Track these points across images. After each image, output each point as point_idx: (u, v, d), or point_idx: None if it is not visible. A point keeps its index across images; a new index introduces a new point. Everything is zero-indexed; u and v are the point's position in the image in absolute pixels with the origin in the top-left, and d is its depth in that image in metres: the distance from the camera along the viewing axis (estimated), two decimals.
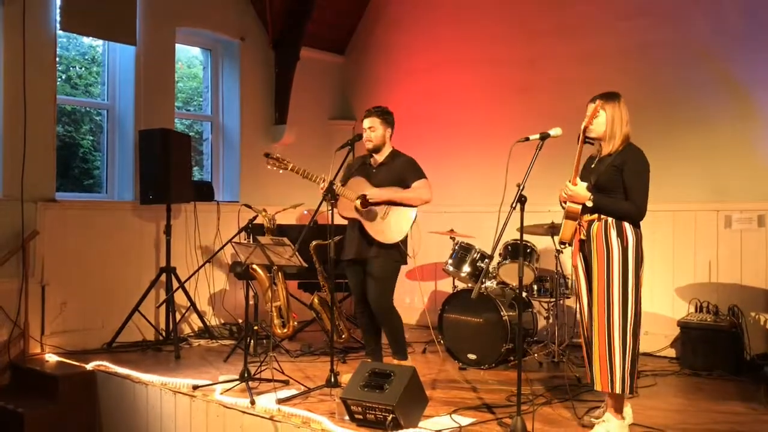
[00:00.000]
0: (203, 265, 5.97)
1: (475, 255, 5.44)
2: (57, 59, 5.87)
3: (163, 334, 6.02)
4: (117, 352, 5.58)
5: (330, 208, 4.34)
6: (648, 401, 4.22)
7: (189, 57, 7.45)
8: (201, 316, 6.26)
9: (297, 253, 4.11)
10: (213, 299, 6.70)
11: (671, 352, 5.54)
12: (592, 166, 3.62)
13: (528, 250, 5.41)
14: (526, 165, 3.53)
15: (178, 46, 6.72)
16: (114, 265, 6.05)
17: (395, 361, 4.50)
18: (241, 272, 5.93)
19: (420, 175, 4.53)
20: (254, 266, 5.41)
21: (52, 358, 5.40)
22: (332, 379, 4.25)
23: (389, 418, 3.46)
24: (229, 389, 4.24)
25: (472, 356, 5.05)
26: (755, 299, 5.22)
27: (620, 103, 3.55)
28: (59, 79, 6.04)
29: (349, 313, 6.18)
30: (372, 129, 4.54)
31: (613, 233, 3.43)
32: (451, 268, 5.50)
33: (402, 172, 4.53)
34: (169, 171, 5.77)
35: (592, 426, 3.53)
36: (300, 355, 5.52)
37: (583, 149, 3.54)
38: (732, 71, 5.40)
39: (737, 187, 5.36)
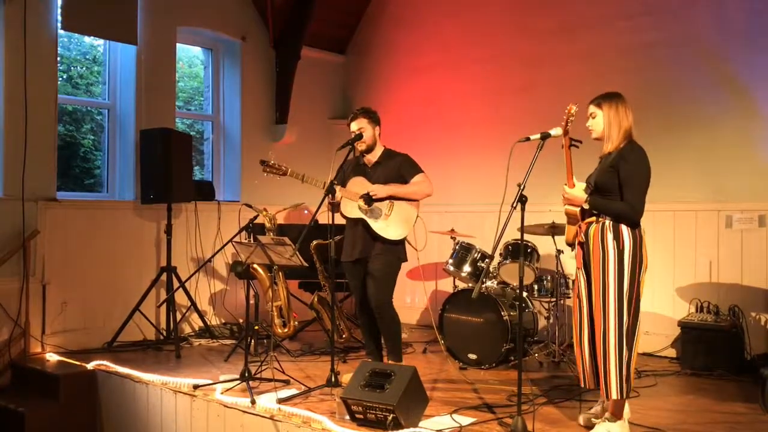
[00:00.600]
0: (204, 264, 5.97)
1: (475, 255, 5.44)
2: (58, 59, 5.87)
3: (164, 333, 6.02)
4: (118, 352, 5.59)
5: (330, 207, 4.34)
6: (649, 401, 4.22)
7: (190, 56, 7.45)
8: (201, 316, 6.27)
9: (297, 252, 4.11)
10: (214, 299, 6.71)
11: (672, 352, 5.54)
12: (596, 166, 3.63)
13: (528, 250, 5.41)
14: (527, 165, 3.53)
15: (179, 45, 6.72)
16: (115, 265, 6.06)
17: (390, 362, 4.50)
18: (241, 272, 5.93)
19: (418, 169, 4.57)
20: (255, 266, 5.41)
21: (52, 357, 5.40)
22: (333, 379, 4.25)
23: (390, 418, 3.46)
24: (230, 389, 4.24)
25: (472, 356, 5.05)
26: (756, 299, 5.22)
27: (618, 103, 3.52)
28: (60, 79, 6.04)
29: (350, 313, 6.18)
30: (362, 130, 4.55)
31: (610, 235, 3.41)
32: (451, 268, 5.49)
33: (399, 169, 4.55)
34: (169, 170, 5.78)
35: (592, 426, 3.53)
36: (300, 355, 5.52)
37: (570, 152, 3.54)
38: (734, 71, 5.40)
39: (738, 187, 5.36)
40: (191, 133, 6.81)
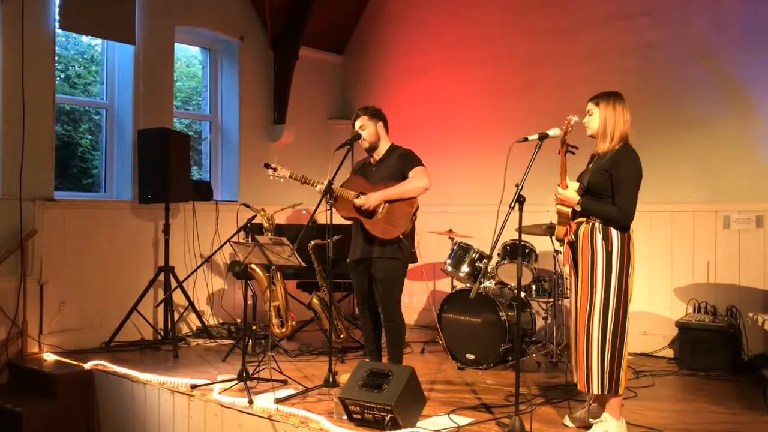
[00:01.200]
0: (202, 264, 5.96)
1: (473, 255, 5.44)
2: (56, 58, 5.87)
3: (162, 333, 6.01)
4: (115, 352, 5.58)
5: (328, 207, 4.34)
6: (646, 401, 4.22)
7: (188, 56, 7.45)
8: (199, 316, 6.26)
9: (295, 252, 4.11)
10: (211, 299, 6.70)
11: (669, 353, 5.55)
12: (590, 165, 3.63)
13: (526, 251, 5.42)
14: (525, 165, 3.53)
15: (177, 45, 6.72)
16: (112, 265, 6.05)
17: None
18: (239, 272, 5.93)
19: (416, 163, 4.44)
20: (253, 266, 5.41)
21: (50, 357, 5.40)
22: (330, 379, 4.24)
23: (387, 418, 3.46)
24: (228, 389, 4.24)
25: (470, 356, 5.06)
26: (753, 300, 5.22)
27: (616, 102, 3.54)
28: (58, 78, 6.03)
29: (348, 313, 6.18)
30: (363, 128, 4.53)
31: (599, 236, 3.44)
32: (449, 268, 5.49)
33: (399, 164, 4.46)
34: (167, 170, 5.77)
35: (590, 426, 3.53)
36: (298, 355, 5.51)
37: (566, 157, 3.56)
38: (731, 71, 5.41)
39: (736, 187, 5.37)
40: (189, 133, 6.81)
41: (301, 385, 4.36)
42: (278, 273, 5.56)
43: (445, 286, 6.38)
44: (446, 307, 5.23)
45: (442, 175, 6.71)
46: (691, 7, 5.59)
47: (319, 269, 5.53)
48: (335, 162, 4.33)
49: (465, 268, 5.42)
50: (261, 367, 4.48)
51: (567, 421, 3.69)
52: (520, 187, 3.48)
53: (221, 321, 6.68)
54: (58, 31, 5.84)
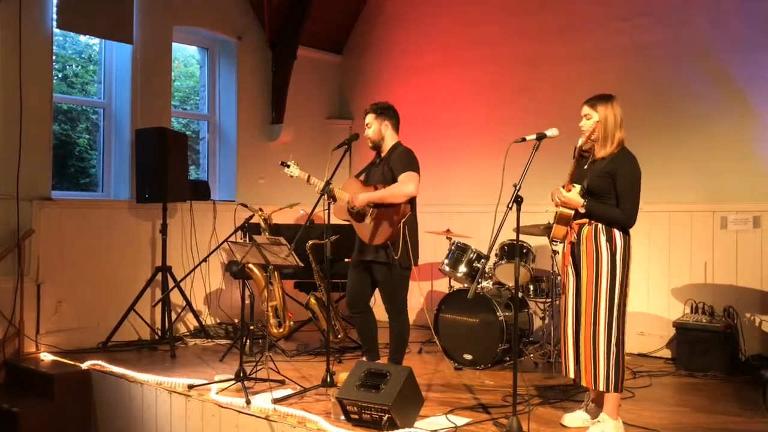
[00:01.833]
0: (199, 264, 5.95)
1: (471, 255, 5.44)
2: (53, 57, 5.85)
3: (159, 333, 6.00)
4: (112, 352, 5.57)
5: (326, 208, 4.33)
6: (643, 402, 4.23)
7: (186, 56, 7.44)
8: (197, 316, 6.25)
9: (293, 252, 4.10)
10: (209, 298, 6.69)
11: (667, 353, 5.55)
12: (585, 167, 3.63)
13: (524, 251, 5.42)
14: (523, 165, 3.53)
15: (175, 44, 6.71)
16: (110, 264, 6.04)
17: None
18: (237, 271, 5.93)
19: (407, 167, 4.30)
20: (250, 266, 5.40)
21: (47, 357, 5.39)
22: (328, 379, 4.24)
23: (385, 418, 3.46)
24: (225, 389, 4.24)
25: (468, 356, 5.06)
26: (750, 300, 5.23)
27: (613, 104, 3.56)
28: (55, 78, 6.02)
29: (345, 313, 6.18)
30: (368, 126, 4.50)
31: (603, 238, 3.49)
32: (447, 269, 5.50)
33: (392, 165, 4.37)
34: (165, 170, 5.76)
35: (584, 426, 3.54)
36: (296, 355, 5.51)
37: (577, 162, 3.57)
38: (729, 71, 5.41)
39: (733, 187, 5.37)
40: (187, 133, 6.80)
41: (298, 385, 4.36)
42: (276, 273, 5.56)
43: (442, 286, 6.38)
44: (444, 307, 5.23)
45: (440, 175, 6.74)
46: (690, 8, 5.60)
47: (317, 269, 5.53)
48: (333, 162, 4.32)
49: (463, 269, 5.43)
50: (258, 367, 4.48)
51: (565, 421, 3.69)
52: (517, 188, 3.48)
53: (219, 321, 6.67)
54: (56, 30, 5.83)
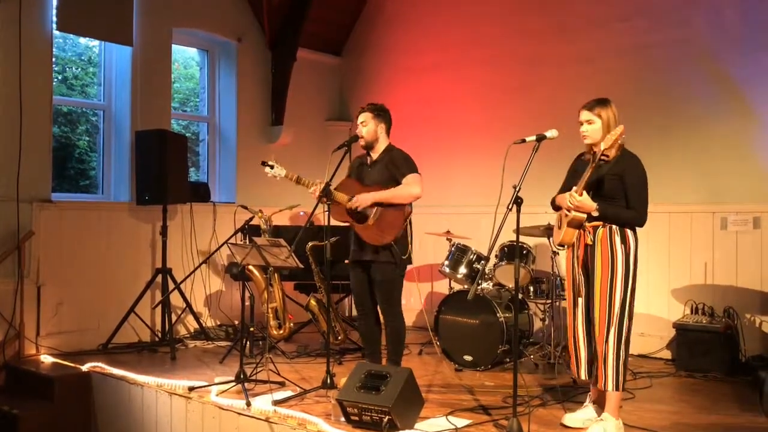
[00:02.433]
0: (199, 266, 5.96)
1: (471, 256, 5.44)
2: (53, 60, 5.86)
3: (159, 335, 6.00)
4: (112, 354, 5.57)
5: (325, 209, 4.33)
6: (644, 403, 4.22)
7: (186, 58, 7.44)
8: (197, 318, 6.25)
9: (293, 254, 4.10)
10: (209, 300, 6.69)
11: (667, 354, 5.55)
12: (591, 172, 3.62)
13: (524, 252, 5.42)
14: (523, 166, 3.53)
15: (174, 46, 6.71)
16: (110, 266, 6.04)
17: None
18: (237, 273, 5.92)
19: (411, 169, 4.38)
20: (250, 267, 5.40)
21: (47, 359, 5.39)
22: (328, 381, 4.23)
23: (385, 420, 3.46)
24: (225, 391, 4.24)
25: (468, 358, 5.05)
26: (750, 301, 5.23)
27: (611, 106, 3.59)
28: (55, 80, 6.03)
29: (345, 315, 6.18)
30: (363, 124, 4.48)
31: (618, 239, 3.53)
32: (447, 270, 5.49)
33: (393, 167, 4.40)
34: (165, 172, 5.77)
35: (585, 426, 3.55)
36: (296, 357, 5.51)
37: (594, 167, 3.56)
38: (729, 72, 5.41)
39: (733, 188, 5.37)
40: (187, 135, 6.80)
41: (298, 387, 4.35)
42: (276, 274, 5.56)
43: (442, 287, 6.38)
44: (444, 308, 5.23)
45: (439, 176, 6.73)
46: (690, 8, 5.60)
47: (317, 271, 5.53)
48: (333, 163, 4.31)
49: (463, 270, 5.42)
50: (259, 369, 4.47)
51: (566, 420, 3.69)
52: (517, 189, 3.48)
53: (219, 323, 6.67)
54: (56, 32, 5.83)
